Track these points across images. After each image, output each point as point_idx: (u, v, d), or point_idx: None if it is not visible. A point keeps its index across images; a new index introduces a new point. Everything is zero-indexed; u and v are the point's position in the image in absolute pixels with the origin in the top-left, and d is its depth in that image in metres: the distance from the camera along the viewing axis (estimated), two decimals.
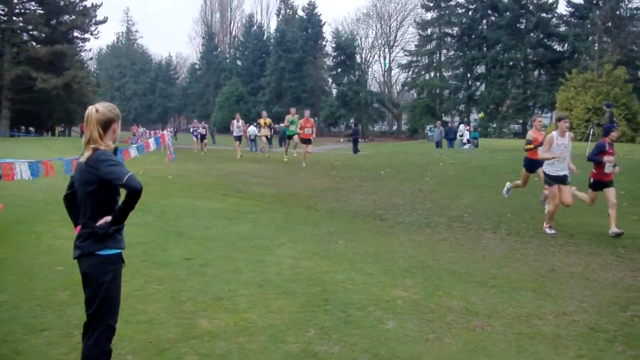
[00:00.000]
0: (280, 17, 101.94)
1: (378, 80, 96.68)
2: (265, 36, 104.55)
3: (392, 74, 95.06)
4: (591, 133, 29.24)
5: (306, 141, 24.63)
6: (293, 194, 16.56)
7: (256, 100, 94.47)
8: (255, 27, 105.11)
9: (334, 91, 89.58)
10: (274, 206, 14.70)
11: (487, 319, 6.74)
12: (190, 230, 11.37)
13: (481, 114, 67.29)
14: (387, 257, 9.62)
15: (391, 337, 6.19)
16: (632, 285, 8.33)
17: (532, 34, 75.54)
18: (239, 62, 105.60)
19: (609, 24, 42.39)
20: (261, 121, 32.11)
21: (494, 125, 72.07)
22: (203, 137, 39.09)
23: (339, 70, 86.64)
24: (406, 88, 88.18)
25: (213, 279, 8.05)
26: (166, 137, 31.52)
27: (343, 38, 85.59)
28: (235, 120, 32.59)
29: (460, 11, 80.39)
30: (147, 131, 63.63)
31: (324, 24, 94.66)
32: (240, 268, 8.64)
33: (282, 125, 31.55)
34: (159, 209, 13.65)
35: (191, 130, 43.17)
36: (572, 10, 74.69)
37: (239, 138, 31.86)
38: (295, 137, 26.05)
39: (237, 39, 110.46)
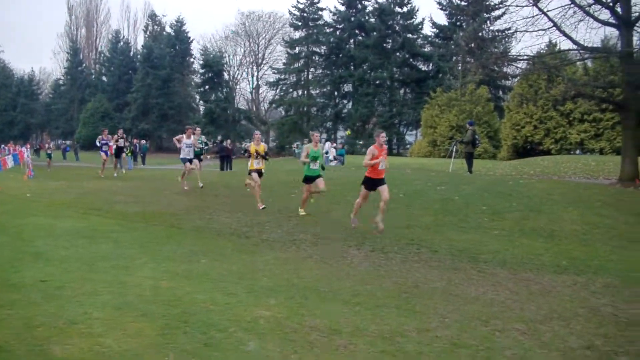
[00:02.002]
0: (148, 33, 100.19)
1: (246, 97, 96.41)
2: (132, 52, 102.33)
3: (261, 91, 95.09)
4: (454, 150, 30.11)
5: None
6: (156, 212, 16.00)
7: (122, 116, 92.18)
8: (121, 43, 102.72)
9: (202, 108, 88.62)
10: (136, 225, 14.11)
11: (350, 338, 6.56)
12: (47, 251, 10.67)
13: (348, 131, 68.37)
14: (250, 276, 9.32)
15: (251, 359, 5.90)
16: (493, 299, 8.41)
17: (398, 54, 77.76)
18: (104, 78, 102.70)
19: (472, 45, 44.10)
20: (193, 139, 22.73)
21: (361, 142, 73.36)
22: (120, 151, 31.08)
23: (207, 87, 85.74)
24: (274, 105, 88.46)
25: (68, 302, 7.50)
26: (25, 154, 30.07)
27: (211, 55, 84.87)
28: (103, 136, 30.98)
29: (328, 30, 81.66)
30: (6, 148, 60.39)
31: (192, 41, 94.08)
32: (98, 290, 8.11)
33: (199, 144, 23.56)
34: (15, 228, 12.85)
35: (99, 143, 30.61)
36: (437, 31, 77.52)
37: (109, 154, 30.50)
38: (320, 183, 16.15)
39: (102, 55, 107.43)
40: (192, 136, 22.40)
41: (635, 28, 26.25)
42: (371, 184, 13.63)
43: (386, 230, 13.54)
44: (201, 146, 24.14)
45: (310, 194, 16.19)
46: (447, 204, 16.58)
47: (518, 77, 56.75)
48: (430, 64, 77.49)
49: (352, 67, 79.20)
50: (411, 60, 78.42)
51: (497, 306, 8.03)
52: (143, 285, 8.49)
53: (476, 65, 38.23)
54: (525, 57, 33.43)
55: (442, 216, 15.38)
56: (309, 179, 15.98)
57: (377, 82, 77.40)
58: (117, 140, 30.81)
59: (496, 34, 48.66)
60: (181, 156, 22.21)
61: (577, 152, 55.34)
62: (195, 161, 22.76)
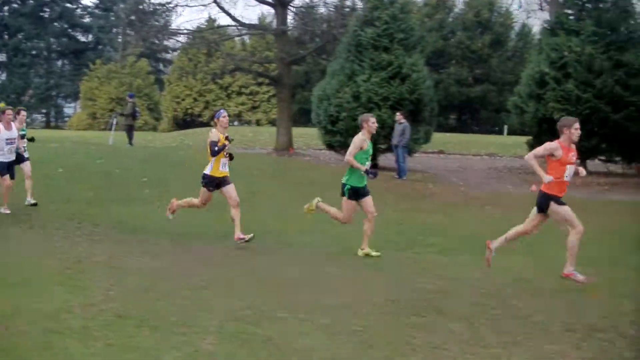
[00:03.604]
0: None
1: None
2: None
3: None
4: (114, 122, 29.62)
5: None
6: None
7: None
8: None
9: None
10: None
11: (11, 319, 6.22)
12: None
13: (2, 104, 63.79)
14: None
15: None
16: (156, 269, 8.52)
17: (56, 24, 74.03)
18: None
19: (133, 17, 43.70)
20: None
21: None
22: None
23: None
24: None
25: None
26: None
27: None
28: None
29: None
30: None
31: None
32: None
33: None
34: None
35: None
36: (97, 2, 75.13)
37: None
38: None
39: None
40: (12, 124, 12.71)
41: (290, 7, 28.09)
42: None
43: (45, 206, 12.99)
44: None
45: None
46: (108, 177, 16.35)
47: (178, 51, 57.47)
48: (90, 35, 75.02)
49: (6, 36, 73.56)
50: (70, 30, 75.15)
51: (160, 275, 8.16)
52: None
53: (137, 38, 38.00)
54: (185, 31, 34.01)
55: (103, 190, 15.14)
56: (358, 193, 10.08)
57: (34, 52, 73.02)
58: None
59: (157, 7, 48.75)
60: None
61: (235, 123, 57.62)
62: (26, 166, 13.42)
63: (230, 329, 6.12)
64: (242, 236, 10.29)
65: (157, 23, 42.74)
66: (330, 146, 24.33)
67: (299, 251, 10.20)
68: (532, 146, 25.25)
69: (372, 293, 7.64)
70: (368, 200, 10.03)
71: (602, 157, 25.75)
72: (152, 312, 6.58)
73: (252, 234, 10.29)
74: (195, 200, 10.88)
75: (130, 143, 25.82)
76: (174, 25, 45.35)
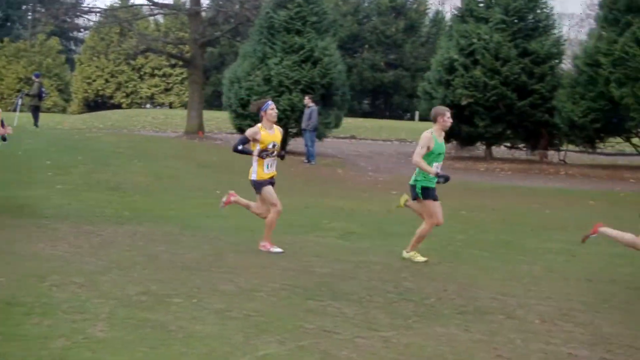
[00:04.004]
0: None
1: None
2: None
3: None
4: (19, 103, 28.72)
5: None
6: None
7: None
8: None
9: None
10: None
11: None
12: None
13: None
14: None
15: None
16: (52, 254, 8.35)
17: None
18: None
19: None
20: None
21: None
22: None
23: None
24: None
25: None
26: None
27: None
28: None
29: None
30: None
31: None
32: None
33: None
34: None
35: None
36: None
37: None
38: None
39: None
40: None
41: None
42: None
43: None
44: None
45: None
46: (10, 159, 15.85)
47: (90, 30, 56.09)
48: None
49: None
50: None
51: (55, 261, 7.99)
52: None
53: (47, 15, 36.88)
54: (97, 9, 33.25)
55: (3, 172, 14.68)
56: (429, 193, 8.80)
57: None
58: None
59: None
60: None
61: (148, 105, 56.76)
62: None
63: (122, 314, 6.06)
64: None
65: (68, 0, 41.64)
66: (240, 130, 24.29)
67: (201, 236, 10.15)
68: None
69: (270, 278, 7.69)
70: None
71: (508, 144, 26.55)
72: (43, 298, 6.45)
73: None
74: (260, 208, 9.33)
75: (36, 125, 25.13)
76: (86, 3, 44.30)
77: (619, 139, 25.32)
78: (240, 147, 9.05)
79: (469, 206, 14.16)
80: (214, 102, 45.32)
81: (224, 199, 9.58)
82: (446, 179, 8.50)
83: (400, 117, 52.00)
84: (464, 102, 23.73)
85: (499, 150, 26.13)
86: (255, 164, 9.01)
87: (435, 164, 8.56)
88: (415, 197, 8.75)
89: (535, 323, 6.40)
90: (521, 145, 26.45)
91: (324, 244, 10.11)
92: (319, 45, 23.51)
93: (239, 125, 24.25)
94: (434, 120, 8.73)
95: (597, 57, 22.54)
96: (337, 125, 25.27)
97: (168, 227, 10.61)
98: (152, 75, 57.42)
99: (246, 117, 22.99)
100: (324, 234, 10.93)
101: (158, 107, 56.88)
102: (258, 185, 9.01)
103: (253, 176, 9.04)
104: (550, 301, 7.20)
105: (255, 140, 8.95)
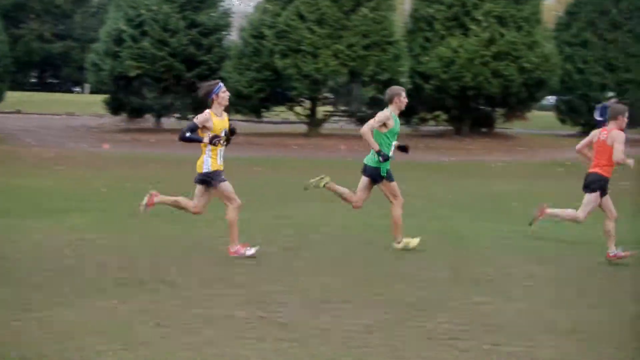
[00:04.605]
0: None
1: None
2: None
3: None
4: None
5: None
6: None
7: None
8: None
9: None
10: None
11: None
12: None
13: None
14: None
15: None
16: None
17: None
18: None
19: None
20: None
21: None
22: None
23: None
24: None
25: None
26: None
27: None
28: None
29: None
30: None
31: None
32: None
33: None
34: None
35: None
36: None
37: None
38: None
39: None
40: None
41: None
42: None
43: None
44: None
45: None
46: None
47: None
48: None
49: None
50: None
51: None
52: None
53: None
54: None
55: None
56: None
57: None
58: None
59: None
60: None
61: None
62: None
63: None
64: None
65: None
66: None
67: None
68: (109, 104, 25.40)
69: None
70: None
71: (177, 115, 26.57)
72: None
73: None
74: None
75: None
76: None
77: (283, 108, 26.68)
78: (188, 135, 7.81)
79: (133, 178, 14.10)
80: None
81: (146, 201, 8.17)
82: (404, 149, 8.87)
83: (70, 91, 49.93)
84: (132, 74, 23.43)
85: (168, 122, 26.08)
86: (207, 155, 7.83)
87: (394, 143, 8.61)
88: (376, 180, 8.53)
89: (195, 289, 6.54)
90: (190, 116, 26.73)
91: None
92: None
93: None
94: (390, 101, 8.58)
95: (262, 29, 23.57)
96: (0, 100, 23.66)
97: None
98: None
99: None
100: None
101: None
102: (215, 177, 7.84)
103: (206, 168, 7.86)
104: (211, 267, 7.43)
105: (206, 128, 7.78)
